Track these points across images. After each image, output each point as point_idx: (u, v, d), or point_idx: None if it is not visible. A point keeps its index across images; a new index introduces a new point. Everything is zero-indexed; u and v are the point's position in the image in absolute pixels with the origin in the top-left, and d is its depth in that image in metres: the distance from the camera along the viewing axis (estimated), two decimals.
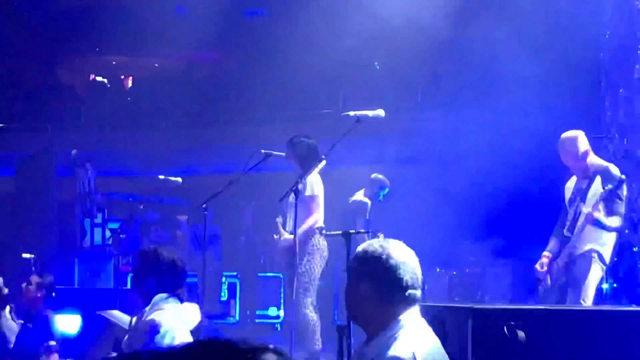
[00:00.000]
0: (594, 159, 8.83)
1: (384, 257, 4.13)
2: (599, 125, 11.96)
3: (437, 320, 5.79)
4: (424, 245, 12.42)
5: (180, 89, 17.50)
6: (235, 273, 14.24)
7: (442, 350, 4.15)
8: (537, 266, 8.95)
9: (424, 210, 13.22)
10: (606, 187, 8.42)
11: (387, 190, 12.80)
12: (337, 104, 14.81)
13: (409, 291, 4.13)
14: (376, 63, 16.86)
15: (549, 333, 6.07)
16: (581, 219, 8.65)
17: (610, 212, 8.50)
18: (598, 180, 8.58)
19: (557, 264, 8.76)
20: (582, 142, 8.83)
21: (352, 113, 8.54)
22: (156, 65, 18.84)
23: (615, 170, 8.69)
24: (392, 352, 3.97)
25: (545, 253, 8.95)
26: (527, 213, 11.81)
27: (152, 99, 17.72)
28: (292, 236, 9.44)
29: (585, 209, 8.57)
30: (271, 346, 1.39)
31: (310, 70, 15.99)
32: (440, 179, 13.94)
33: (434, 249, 12.73)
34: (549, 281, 8.83)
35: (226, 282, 14.18)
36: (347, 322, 6.14)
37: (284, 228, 9.95)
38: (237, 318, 14.11)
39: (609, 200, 8.49)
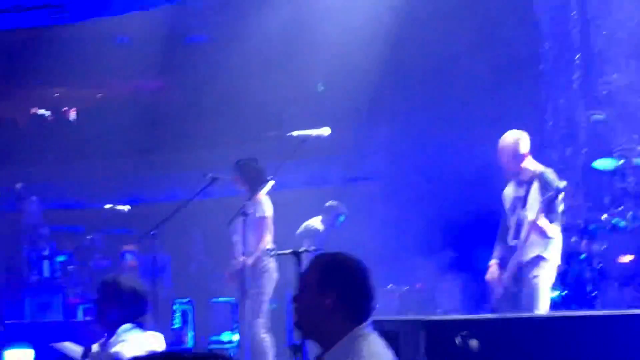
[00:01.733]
0: (530, 164, 8.87)
1: (346, 270, 4.14)
2: (541, 135, 12.09)
3: (390, 333, 5.81)
4: (375, 262, 12.50)
5: (124, 118, 17.42)
6: (187, 299, 14.16)
7: None
8: (488, 276, 8.99)
9: (372, 228, 13.25)
10: (545, 196, 8.48)
11: (343, 217, 12.83)
12: (281, 126, 14.81)
13: (367, 304, 4.16)
14: (319, 84, 16.92)
15: (500, 341, 6.12)
16: (525, 227, 8.70)
17: (550, 220, 8.57)
18: (535, 186, 8.63)
19: (506, 274, 8.79)
20: (524, 144, 8.87)
21: (295, 133, 8.59)
22: (99, 95, 18.77)
23: (551, 175, 8.76)
24: None
25: (492, 262, 8.98)
26: (474, 226, 11.88)
27: (96, 129, 17.64)
28: (246, 258, 9.47)
29: (529, 216, 8.62)
30: (219, 353, 1.42)
31: (253, 93, 16.02)
32: (387, 196, 14.01)
33: (385, 265, 12.77)
34: (500, 290, 8.86)
35: (179, 309, 14.09)
36: (301, 341, 6.16)
37: (234, 251, 9.94)
38: (191, 344, 14.02)
39: (547, 210, 8.55)
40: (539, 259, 8.66)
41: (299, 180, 15.68)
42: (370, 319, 4.21)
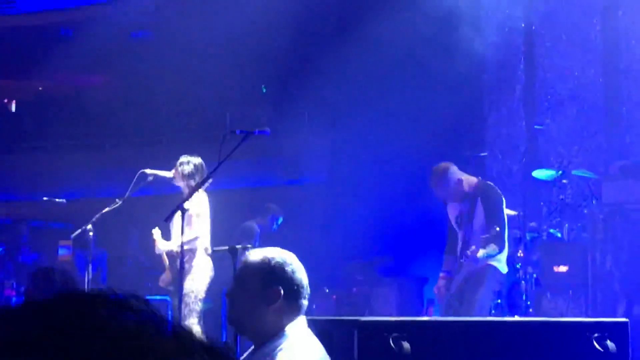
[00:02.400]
0: (468, 182, 8.92)
1: (287, 265, 4.13)
2: (482, 143, 12.17)
3: (324, 333, 5.80)
4: (311, 266, 12.51)
5: (64, 111, 17.29)
6: None
7: (327, 358, 4.17)
8: (435, 289, 9.03)
9: (310, 232, 13.27)
10: (491, 232, 8.52)
11: (281, 220, 12.81)
12: (224, 126, 14.77)
13: (303, 300, 4.15)
14: (263, 86, 16.90)
15: (434, 344, 6.14)
16: (473, 241, 8.74)
17: (497, 232, 8.62)
18: (480, 205, 8.70)
19: (453, 286, 8.82)
20: (453, 173, 8.92)
21: (237, 131, 8.56)
22: (40, 88, 18.57)
23: (491, 188, 8.84)
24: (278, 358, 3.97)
25: (442, 274, 9.02)
26: (412, 233, 11.96)
27: (36, 121, 17.48)
28: (168, 243, 9.41)
29: (474, 233, 8.68)
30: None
31: (197, 91, 15.96)
32: (326, 200, 14.02)
33: (321, 269, 12.76)
34: (445, 303, 8.89)
35: None
36: (234, 338, 6.13)
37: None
38: None
39: (493, 222, 8.60)
40: (487, 268, 8.70)
41: (239, 180, 15.63)
42: (302, 315, 4.21)
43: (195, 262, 9.71)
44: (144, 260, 14.57)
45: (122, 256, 15.12)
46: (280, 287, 4.07)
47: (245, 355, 4.30)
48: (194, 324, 9.77)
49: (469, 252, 8.59)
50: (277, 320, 4.07)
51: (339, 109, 14.75)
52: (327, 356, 4.21)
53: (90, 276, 10.23)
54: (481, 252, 8.51)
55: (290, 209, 13.84)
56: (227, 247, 7.11)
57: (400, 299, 11.61)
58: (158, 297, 13.80)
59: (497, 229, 8.48)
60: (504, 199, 8.73)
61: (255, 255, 4.22)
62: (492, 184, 9.12)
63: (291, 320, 4.11)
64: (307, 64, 14.12)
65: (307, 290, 4.20)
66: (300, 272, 4.19)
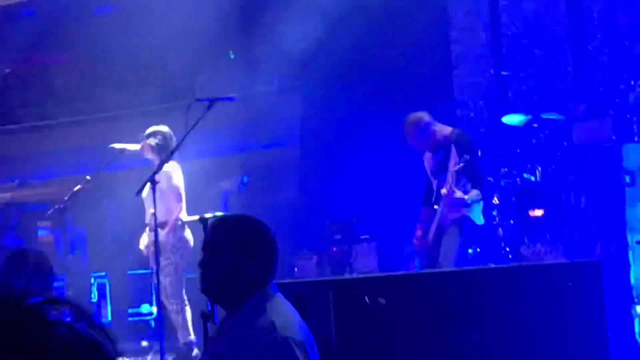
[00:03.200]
0: (441, 131, 8.96)
1: (258, 228, 4.12)
2: (451, 93, 12.17)
3: (299, 296, 5.82)
4: (290, 229, 12.53)
5: (33, 92, 17.19)
6: (103, 273, 14.06)
7: (302, 322, 4.17)
8: (414, 240, 9.08)
9: (287, 195, 13.26)
10: (461, 161, 8.55)
11: (246, 178, 12.79)
12: (192, 95, 14.72)
13: (274, 263, 4.15)
14: (231, 51, 16.79)
15: (410, 298, 6.18)
16: (445, 191, 8.78)
17: (473, 184, 8.64)
18: (454, 150, 8.73)
19: (429, 235, 8.88)
20: (426, 122, 8.95)
21: (203, 98, 8.53)
22: (7, 70, 18.44)
23: (465, 137, 8.87)
24: (252, 324, 3.97)
25: (418, 225, 9.08)
26: (390, 189, 11.95)
27: (5, 104, 17.38)
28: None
29: (448, 182, 8.70)
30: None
31: (164, 62, 15.88)
32: (301, 162, 14.00)
33: (300, 232, 12.79)
34: (424, 254, 8.93)
35: (95, 283, 13.99)
36: (211, 307, 6.13)
37: (145, 222, 9.84)
38: (109, 318, 13.93)
39: (468, 173, 8.63)
40: (462, 219, 8.74)
41: (214, 149, 15.59)
42: (274, 281, 4.20)
43: (173, 235, 9.68)
44: (123, 234, 14.54)
45: (101, 233, 15.09)
46: (245, 255, 4.06)
47: (219, 321, 4.31)
48: (178, 296, 9.77)
49: (443, 190, 8.60)
50: (248, 286, 4.07)
51: (308, 70, 14.69)
52: (299, 316, 4.21)
53: (68, 254, 10.21)
54: (467, 197, 8.53)
55: (265, 173, 13.84)
56: (197, 217, 7.09)
57: (381, 256, 11.64)
58: (141, 271, 13.81)
59: (467, 157, 8.48)
60: (478, 151, 8.76)
61: (222, 223, 4.21)
62: (465, 131, 9.15)
63: (262, 285, 4.12)
64: (274, 26, 14.03)
65: (277, 254, 4.20)
66: (269, 235, 4.19)
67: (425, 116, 9.02)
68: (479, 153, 9.04)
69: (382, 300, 5.94)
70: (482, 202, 8.81)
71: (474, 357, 6.15)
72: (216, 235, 4.16)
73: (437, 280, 6.42)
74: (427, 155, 9.15)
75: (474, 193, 8.61)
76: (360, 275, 6.73)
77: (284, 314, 4.08)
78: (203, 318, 5.82)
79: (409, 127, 9.02)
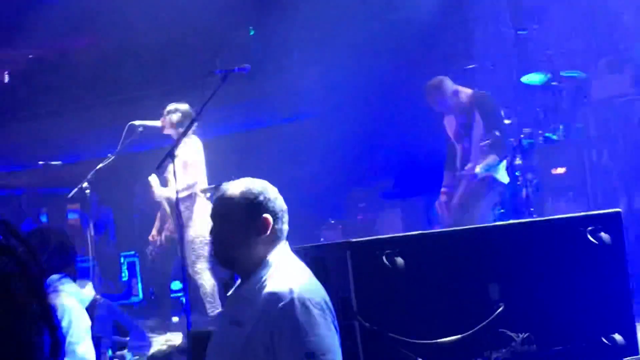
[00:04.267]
0: (464, 92, 8.93)
1: (268, 192, 4.12)
2: (470, 56, 12.11)
3: (317, 259, 5.82)
4: (315, 200, 12.56)
5: (56, 77, 17.25)
6: (133, 252, 14.15)
7: (318, 283, 4.16)
8: (437, 204, 9.06)
9: (311, 167, 13.26)
10: (489, 138, 8.51)
11: None
12: (217, 80, 14.76)
13: (285, 226, 4.15)
14: (250, 27, 16.79)
15: (428, 257, 6.15)
16: (473, 153, 8.75)
17: (497, 154, 8.60)
18: (477, 116, 8.69)
19: (454, 199, 8.85)
20: (448, 84, 8.92)
21: (217, 70, 8.54)
22: (30, 56, 18.53)
23: (487, 96, 8.83)
24: (268, 288, 3.97)
25: (443, 189, 9.06)
26: (413, 155, 11.92)
27: (29, 89, 17.48)
28: (165, 189, 9.43)
29: (473, 146, 8.67)
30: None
31: (184, 41, 15.89)
32: (323, 133, 13.97)
33: (325, 201, 12.81)
34: (449, 218, 8.92)
35: (125, 262, 14.08)
36: (232, 276, 6.13)
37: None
38: (141, 296, 14.02)
39: (493, 147, 8.59)
40: (486, 179, 8.71)
41: (235, 125, 15.62)
42: (285, 240, 4.20)
43: (195, 208, 9.71)
44: (150, 213, 14.60)
45: (128, 213, 15.16)
46: (269, 215, 4.06)
47: (232, 290, 4.30)
48: (204, 269, 9.80)
49: (465, 169, 8.59)
50: (267, 248, 4.08)
51: (327, 43, 14.67)
52: (316, 279, 4.21)
53: (92, 234, 10.26)
54: (478, 168, 8.51)
55: (288, 146, 13.84)
56: (214, 186, 7.11)
57: (406, 221, 11.63)
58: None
59: (497, 133, 8.46)
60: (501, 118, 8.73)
61: (235, 187, 4.19)
62: (487, 92, 9.11)
63: (276, 246, 4.12)
64: (293, 1, 14.02)
65: (286, 214, 4.20)
66: (279, 198, 4.19)
67: (445, 79, 9.00)
68: (502, 113, 8.99)
69: (400, 261, 5.93)
70: (504, 161, 8.77)
71: (496, 313, 6.13)
72: (223, 204, 4.15)
73: (457, 239, 6.38)
74: (449, 119, 9.12)
75: (491, 159, 8.57)
76: (377, 237, 6.69)
77: (299, 276, 4.08)
78: (224, 287, 5.83)
79: (430, 91, 9.00)
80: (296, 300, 3.88)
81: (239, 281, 4.28)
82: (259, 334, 3.90)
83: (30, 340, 1.20)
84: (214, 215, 4.18)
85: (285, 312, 3.88)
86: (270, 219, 4.08)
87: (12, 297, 1.19)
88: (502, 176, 8.82)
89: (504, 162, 8.83)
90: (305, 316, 3.86)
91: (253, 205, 4.08)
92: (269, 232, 4.07)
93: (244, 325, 3.99)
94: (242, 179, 4.26)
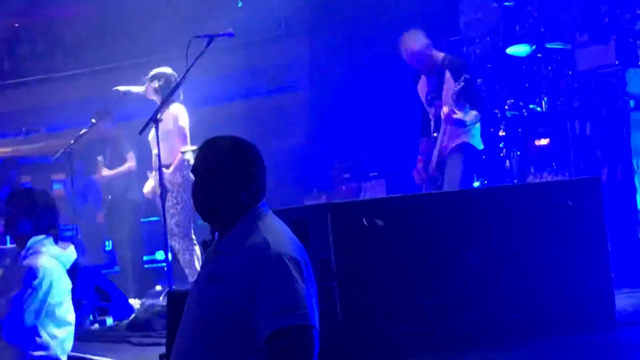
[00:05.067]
0: (436, 53, 8.92)
1: (253, 147, 4.12)
2: (456, 28, 12.11)
3: (298, 220, 5.84)
4: (299, 171, 12.58)
5: (41, 45, 17.22)
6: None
7: (297, 240, 4.16)
8: (414, 172, 9.05)
9: (296, 138, 13.27)
10: (460, 81, 8.50)
11: None
12: (201, 43, 14.74)
13: (265, 183, 4.14)
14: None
15: (407, 219, 6.18)
16: (443, 118, 8.75)
17: (471, 105, 8.59)
18: (448, 74, 8.68)
19: (431, 164, 8.85)
20: (422, 38, 8.90)
21: (201, 35, 8.52)
22: (16, 25, 18.48)
23: (457, 60, 8.83)
24: (247, 244, 3.96)
25: (420, 157, 9.05)
26: (396, 125, 11.92)
27: (13, 57, 17.44)
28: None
29: (445, 108, 8.66)
30: None
31: (172, 11, 15.85)
32: (309, 105, 13.98)
33: (309, 172, 12.82)
34: (426, 184, 8.92)
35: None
36: (212, 236, 6.13)
37: (152, 163, 9.84)
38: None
39: (465, 93, 8.57)
40: (462, 146, 8.69)
41: (222, 96, 15.61)
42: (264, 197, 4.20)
43: (178, 175, 9.67)
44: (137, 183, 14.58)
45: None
46: (249, 170, 4.06)
47: (211, 246, 4.29)
48: (184, 236, 9.78)
49: (445, 109, 8.56)
50: (248, 204, 4.07)
51: (315, 15, 14.66)
52: (294, 235, 4.20)
53: (79, 204, 10.26)
54: (459, 115, 8.49)
55: (274, 118, 13.84)
56: (195, 147, 7.11)
57: (390, 192, 11.63)
58: (155, 219, 13.87)
59: (466, 76, 8.43)
60: (472, 77, 8.70)
61: (222, 141, 4.17)
62: (457, 56, 9.10)
63: (256, 203, 4.12)
64: None
65: (265, 171, 4.20)
66: (260, 155, 4.18)
67: (421, 34, 8.97)
68: (474, 75, 8.95)
69: (380, 223, 5.95)
70: (479, 126, 8.76)
71: (474, 277, 6.16)
72: (212, 156, 4.13)
73: (436, 202, 6.41)
74: (422, 84, 9.10)
75: (473, 114, 8.57)
76: (358, 199, 6.73)
77: (277, 232, 4.07)
78: (203, 247, 5.82)
79: (406, 40, 8.97)
80: (274, 255, 3.88)
81: (217, 238, 4.27)
82: (237, 288, 3.89)
83: None
84: (199, 167, 4.14)
85: (262, 267, 3.87)
86: (257, 173, 4.08)
87: None
88: (478, 142, 8.80)
89: (479, 127, 8.80)
90: (283, 271, 3.86)
91: (242, 158, 4.07)
92: (255, 185, 4.06)
93: (222, 280, 3.99)
94: (227, 135, 4.25)
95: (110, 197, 12.07)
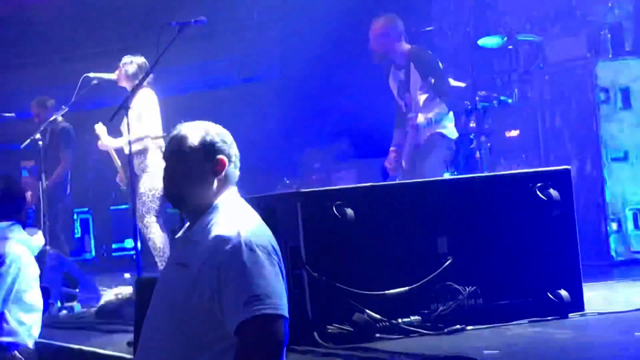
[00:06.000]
0: (403, 45, 8.90)
1: (224, 135, 4.09)
2: (429, 18, 12.13)
3: (268, 209, 5.83)
4: (270, 160, 12.58)
5: (11, 31, 17.08)
6: (86, 209, 14.09)
7: (267, 228, 4.14)
8: (386, 163, 9.06)
9: (267, 127, 13.26)
10: (425, 85, 8.52)
11: None
12: (172, 32, 14.70)
13: (236, 172, 4.12)
14: None
15: (377, 209, 6.19)
16: (413, 109, 8.77)
17: (440, 97, 8.60)
18: (412, 67, 8.70)
19: (403, 157, 8.86)
20: (393, 25, 8.87)
21: (173, 22, 8.48)
22: None
23: (423, 50, 8.83)
24: (216, 231, 3.94)
25: (392, 148, 9.06)
26: (366, 116, 11.93)
27: None
28: (114, 140, 9.40)
29: (414, 101, 8.70)
30: None
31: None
32: (281, 95, 13.97)
33: (279, 161, 12.81)
34: (400, 173, 8.93)
35: (78, 219, 14.03)
36: (181, 223, 6.11)
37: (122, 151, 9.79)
38: (93, 253, 14.00)
39: (434, 89, 8.59)
40: (435, 136, 8.70)
41: (194, 84, 15.57)
42: (234, 186, 4.17)
43: (148, 161, 9.62)
44: (105, 171, 14.53)
45: (83, 170, 15.06)
46: (224, 157, 4.04)
47: (180, 233, 4.27)
48: (152, 222, 9.73)
49: (409, 117, 8.58)
50: (217, 191, 4.05)
51: (286, 4, 14.64)
52: (265, 224, 4.18)
53: (44, 187, 10.19)
54: (422, 117, 8.51)
55: (246, 107, 13.82)
56: (166, 134, 7.08)
57: (360, 182, 11.63)
58: (124, 207, 13.85)
59: (432, 80, 8.44)
60: (440, 62, 8.71)
61: (192, 128, 4.15)
62: (421, 47, 9.10)
63: (226, 190, 4.10)
64: None
65: (239, 162, 4.17)
66: (234, 144, 4.16)
67: (389, 20, 8.92)
68: (440, 65, 8.93)
69: (350, 212, 5.95)
70: (452, 115, 8.77)
71: (442, 266, 6.18)
72: (180, 142, 4.11)
73: (407, 191, 6.42)
74: (392, 76, 9.11)
75: (439, 108, 8.58)
76: (328, 188, 6.73)
77: (247, 219, 4.05)
78: (172, 234, 5.81)
79: (379, 27, 8.92)
80: (243, 243, 3.85)
81: (187, 224, 4.26)
82: (205, 275, 3.87)
83: None
84: (168, 153, 4.12)
85: (232, 254, 3.85)
86: (226, 160, 4.05)
87: None
88: (451, 132, 8.81)
89: (451, 117, 8.82)
90: (252, 259, 3.84)
91: (210, 145, 4.04)
92: (222, 174, 4.04)
93: (190, 267, 3.96)
94: (197, 121, 4.23)
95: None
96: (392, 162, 8.93)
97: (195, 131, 4.09)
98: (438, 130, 8.66)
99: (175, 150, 4.08)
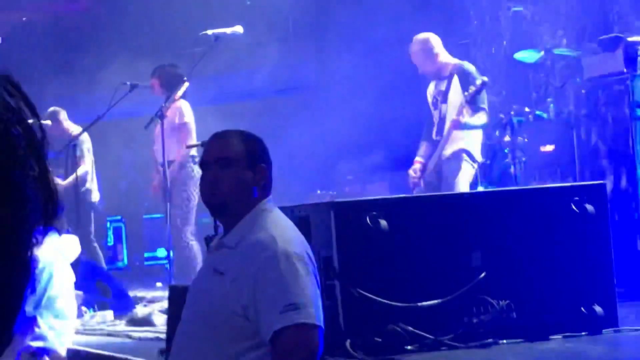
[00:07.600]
0: (446, 59, 8.96)
1: (262, 142, 4.12)
2: (464, 32, 12.09)
3: (301, 219, 5.83)
4: (304, 171, 12.55)
5: (49, 41, 17.20)
6: (119, 217, 14.13)
7: (302, 236, 4.14)
8: (411, 172, 9.08)
9: (300, 138, 13.22)
10: (469, 90, 8.55)
11: None
12: (209, 42, 14.78)
13: (272, 178, 4.13)
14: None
15: (411, 220, 6.18)
16: (447, 124, 8.79)
17: (475, 110, 8.64)
18: (456, 80, 8.71)
19: (428, 167, 8.88)
20: (434, 42, 8.95)
21: (210, 32, 8.53)
22: (24, 19, 18.47)
23: (469, 66, 8.85)
24: (252, 238, 3.93)
25: (418, 158, 9.09)
26: (402, 127, 11.89)
27: (22, 53, 17.41)
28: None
29: (449, 113, 8.70)
30: None
31: (181, 10, 15.83)
32: (315, 104, 13.95)
33: (312, 172, 12.79)
34: (422, 185, 8.95)
35: (111, 227, 14.07)
36: (215, 232, 6.12)
37: (154, 160, 9.84)
38: (126, 262, 14.03)
39: (472, 102, 8.62)
40: (460, 152, 8.73)
41: (228, 95, 15.60)
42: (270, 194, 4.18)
43: (186, 171, 9.68)
44: (138, 180, 14.60)
45: (116, 178, 15.13)
46: (257, 166, 4.04)
47: (215, 241, 4.26)
48: (190, 234, 9.78)
49: (445, 130, 8.59)
50: (256, 199, 4.05)
51: (322, 14, 14.65)
52: (298, 231, 4.18)
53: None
54: (466, 118, 8.52)
55: (280, 117, 13.82)
56: (199, 143, 7.11)
57: (393, 193, 11.60)
58: (157, 216, 13.87)
59: (472, 88, 8.45)
60: (484, 84, 8.71)
61: (234, 135, 4.15)
62: (468, 63, 9.12)
63: (263, 198, 4.10)
64: None
65: (271, 167, 4.19)
66: (267, 150, 4.18)
67: (432, 37, 9.02)
68: (482, 79, 8.95)
69: (383, 222, 5.94)
70: (481, 135, 8.80)
71: (476, 279, 6.15)
72: (222, 149, 4.11)
73: (441, 204, 6.41)
74: (430, 87, 9.14)
75: (479, 116, 8.61)
76: (361, 198, 6.71)
77: (283, 228, 4.05)
78: (205, 241, 5.81)
79: (415, 43, 9.03)
80: (279, 251, 3.85)
81: (221, 233, 4.26)
82: (241, 283, 3.86)
83: (25, 192, 1.18)
84: (212, 159, 4.11)
85: (268, 262, 3.85)
86: (266, 167, 4.06)
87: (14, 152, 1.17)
88: (476, 153, 8.85)
89: (480, 136, 8.84)
90: (288, 268, 3.84)
91: (252, 153, 4.06)
92: (263, 181, 4.05)
93: (226, 274, 3.96)
94: (236, 129, 4.24)
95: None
96: (417, 172, 8.95)
97: (237, 139, 4.10)
98: (463, 147, 8.69)
99: (219, 157, 4.07)
